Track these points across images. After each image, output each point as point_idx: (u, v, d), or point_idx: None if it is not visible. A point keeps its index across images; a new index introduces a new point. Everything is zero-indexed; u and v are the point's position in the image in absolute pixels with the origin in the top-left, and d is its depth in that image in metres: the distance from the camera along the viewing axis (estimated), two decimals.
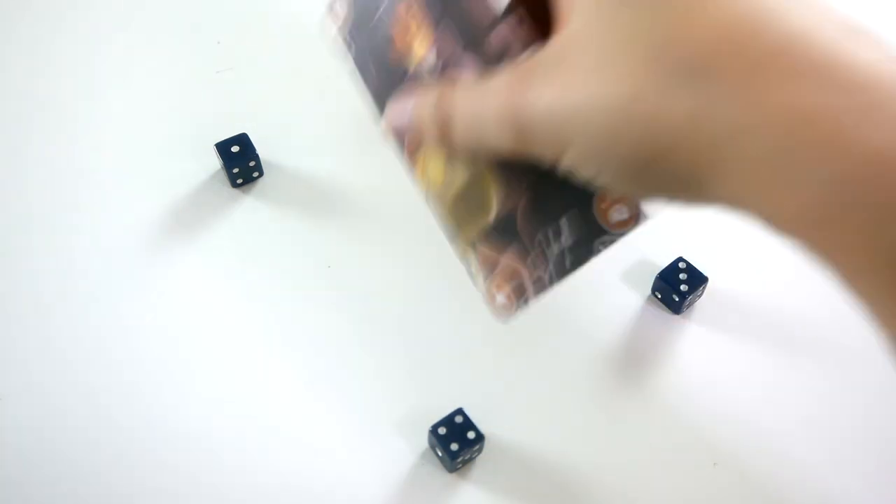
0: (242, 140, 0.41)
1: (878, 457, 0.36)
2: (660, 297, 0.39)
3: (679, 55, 0.24)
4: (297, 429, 0.36)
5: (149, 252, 0.40)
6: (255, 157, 0.41)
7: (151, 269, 0.39)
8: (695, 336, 0.38)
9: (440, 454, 0.34)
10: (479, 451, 0.35)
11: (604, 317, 0.39)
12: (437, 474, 0.35)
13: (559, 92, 0.26)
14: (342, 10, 0.34)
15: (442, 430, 0.34)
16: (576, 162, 0.27)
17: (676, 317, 0.39)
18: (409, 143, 0.32)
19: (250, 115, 0.44)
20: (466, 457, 0.34)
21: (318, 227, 0.41)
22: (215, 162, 0.42)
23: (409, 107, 0.31)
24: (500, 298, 0.33)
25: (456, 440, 0.34)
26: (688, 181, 0.25)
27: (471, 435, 0.34)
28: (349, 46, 0.35)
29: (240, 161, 0.41)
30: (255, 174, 0.42)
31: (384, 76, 0.33)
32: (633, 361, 0.38)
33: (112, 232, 0.40)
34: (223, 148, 0.41)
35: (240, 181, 0.42)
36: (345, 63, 0.35)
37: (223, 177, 0.42)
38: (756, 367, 0.38)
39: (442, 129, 0.29)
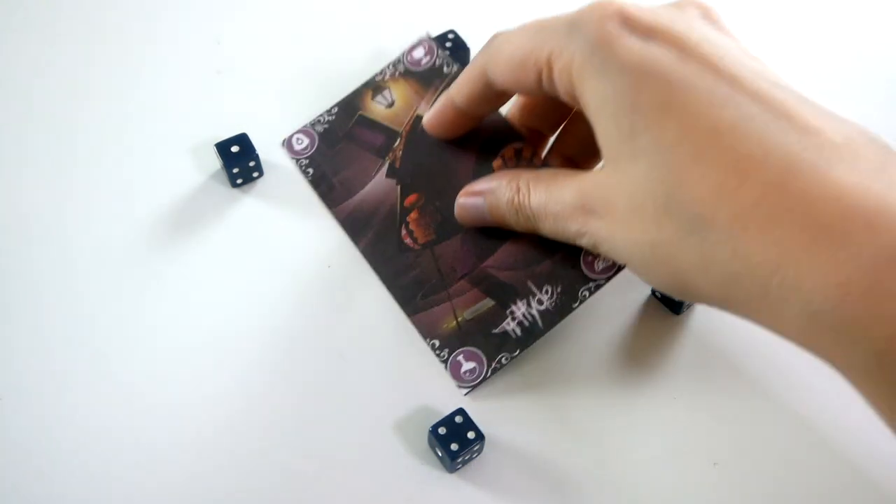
0: (242, 140, 0.41)
1: (877, 455, 0.36)
2: (659, 296, 0.39)
3: (682, 209, 0.28)
4: (297, 428, 0.36)
5: (148, 252, 0.40)
6: (255, 157, 0.41)
7: (151, 268, 0.39)
8: (695, 336, 0.38)
9: (440, 454, 0.34)
10: (479, 451, 0.35)
11: (604, 317, 0.39)
12: (437, 474, 0.35)
13: (608, 232, 0.32)
14: (299, 144, 0.43)
15: (442, 430, 0.34)
16: (634, 273, 0.33)
17: (676, 317, 0.39)
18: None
19: (250, 115, 0.44)
20: (466, 457, 0.34)
21: (318, 227, 0.41)
22: (215, 162, 0.42)
23: (482, 198, 0.37)
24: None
25: (456, 440, 0.34)
26: (712, 303, 0.30)
27: (471, 435, 0.34)
28: (306, 170, 0.42)
29: (240, 161, 0.41)
30: (255, 174, 0.42)
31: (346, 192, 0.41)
32: (633, 361, 0.38)
33: (111, 232, 0.40)
34: (223, 148, 0.41)
35: (240, 181, 0.42)
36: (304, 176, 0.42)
37: (223, 177, 0.42)
38: (756, 367, 0.38)
39: (519, 217, 0.35)
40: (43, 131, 0.43)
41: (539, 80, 0.33)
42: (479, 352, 0.37)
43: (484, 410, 0.36)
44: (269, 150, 0.42)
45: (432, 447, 0.35)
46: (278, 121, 0.44)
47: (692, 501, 0.35)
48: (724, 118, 0.28)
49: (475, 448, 0.34)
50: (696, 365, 0.38)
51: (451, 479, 0.35)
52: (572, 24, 0.31)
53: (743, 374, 0.37)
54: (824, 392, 0.37)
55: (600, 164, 0.32)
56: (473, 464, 0.35)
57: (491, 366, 0.36)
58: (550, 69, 0.32)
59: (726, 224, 0.27)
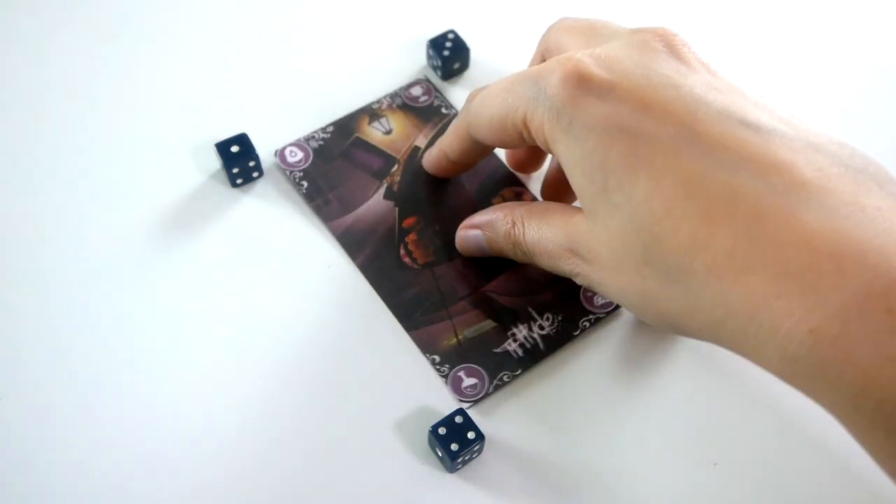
0: (242, 140, 0.41)
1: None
2: None
3: (661, 261, 0.29)
4: (297, 429, 0.36)
5: (148, 252, 0.40)
6: (255, 157, 0.41)
7: (150, 268, 0.39)
8: None
9: (440, 454, 0.34)
10: (479, 451, 0.35)
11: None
12: (437, 474, 0.35)
13: (598, 277, 0.33)
14: (293, 157, 0.42)
15: (442, 430, 0.34)
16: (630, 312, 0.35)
17: None
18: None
19: (250, 115, 0.44)
20: (466, 457, 0.34)
21: (317, 228, 0.41)
22: (215, 162, 0.42)
23: (481, 231, 0.38)
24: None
25: (456, 440, 0.34)
26: (704, 341, 0.31)
27: (471, 435, 0.34)
28: (300, 182, 0.41)
29: (240, 161, 0.41)
30: (255, 174, 0.42)
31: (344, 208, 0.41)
32: (633, 361, 0.38)
33: (111, 232, 0.40)
34: (223, 148, 0.41)
35: (240, 181, 0.42)
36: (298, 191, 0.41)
37: (223, 177, 0.42)
38: (756, 367, 0.38)
39: (517, 250, 0.36)
40: (42, 131, 0.43)
41: (521, 138, 0.34)
42: (480, 368, 0.37)
43: (484, 410, 0.36)
44: (269, 150, 0.42)
45: (432, 447, 0.35)
46: (278, 121, 0.44)
47: (692, 501, 0.35)
48: (689, 169, 0.28)
49: (475, 448, 0.34)
50: (696, 365, 0.38)
51: (451, 479, 0.35)
52: (536, 85, 0.32)
53: (743, 374, 0.37)
54: None
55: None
56: (473, 464, 0.35)
57: (493, 382, 0.36)
58: (528, 129, 0.33)
59: (704, 274, 0.28)
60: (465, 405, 0.36)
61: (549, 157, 0.41)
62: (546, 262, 0.35)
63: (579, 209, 0.33)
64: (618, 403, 0.37)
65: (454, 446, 0.34)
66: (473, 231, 0.38)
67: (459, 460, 0.34)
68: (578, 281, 0.34)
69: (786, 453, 0.36)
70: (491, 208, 0.38)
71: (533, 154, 0.41)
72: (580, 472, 0.35)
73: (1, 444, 0.35)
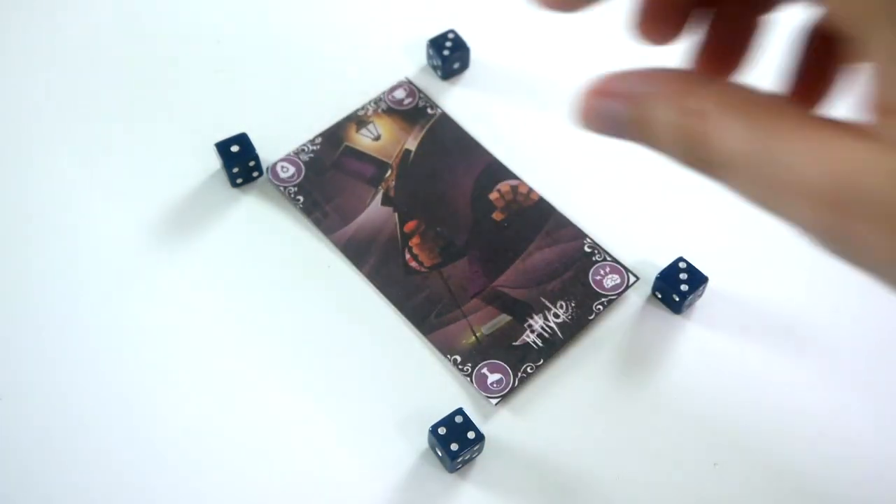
0: (242, 140, 0.41)
1: (875, 457, 0.36)
2: (660, 297, 0.39)
3: None
4: (297, 429, 0.36)
5: (148, 252, 0.40)
6: (255, 157, 0.41)
7: (151, 268, 0.39)
8: (695, 336, 0.38)
9: (440, 454, 0.34)
10: (479, 451, 0.35)
11: (604, 316, 0.39)
12: (437, 474, 0.35)
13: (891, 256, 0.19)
14: (285, 173, 0.42)
15: (442, 430, 0.34)
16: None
17: (676, 317, 0.39)
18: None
19: (250, 115, 0.44)
20: (466, 457, 0.34)
21: (317, 228, 0.41)
22: (215, 162, 0.42)
23: (625, 104, 0.23)
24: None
25: (456, 440, 0.34)
26: None
27: (471, 435, 0.34)
28: (295, 197, 0.41)
29: (240, 161, 0.41)
30: (255, 174, 0.42)
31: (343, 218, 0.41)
32: (633, 361, 0.38)
33: (111, 232, 0.40)
34: (223, 148, 0.41)
35: (239, 181, 0.42)
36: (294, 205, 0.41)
37: (223, 177, 0.42)
38: (756, 367, 0.38)
39: (689, 154, 0.22)
40: (43, 131, 0.43)
41: None
42: (502, 363, 0.37)
43: (484, 410, 0.36)
44: (269, 150, 0.42)
45: (432, 447, 0.35)
46: (278, 121, 0.44)
47: (692, 501, 0.35)
48: None
49: (475, 448, 0.34)
50: (696, 365, 0.38)
51: (451, 479, 0.35)
52: None
53: (743, 373, 0.37)
54: (824, 393, 0.37)
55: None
56: (473, 464, 0.35)
57: (517, 375, 0.37)
58: None
59: None
60: (493, 401, 0.36)
61: (687, 22, 0.25)
62: (751, 191, 0.21)
63: (848, 127, 0.19)
64: (617, 404, 0.37)
65: (454, 446, 0.34)
66: (609, 102, 0.23)
67: (459, 460, 0.34)
68: (827, 247, 0.20)
69: (786, 453, 0.36)
70: (643, 73, 0.23)
71: (679, 11, 0.25)
72: (580, 472, 0.35)
73: (1, 444, 0.35)
